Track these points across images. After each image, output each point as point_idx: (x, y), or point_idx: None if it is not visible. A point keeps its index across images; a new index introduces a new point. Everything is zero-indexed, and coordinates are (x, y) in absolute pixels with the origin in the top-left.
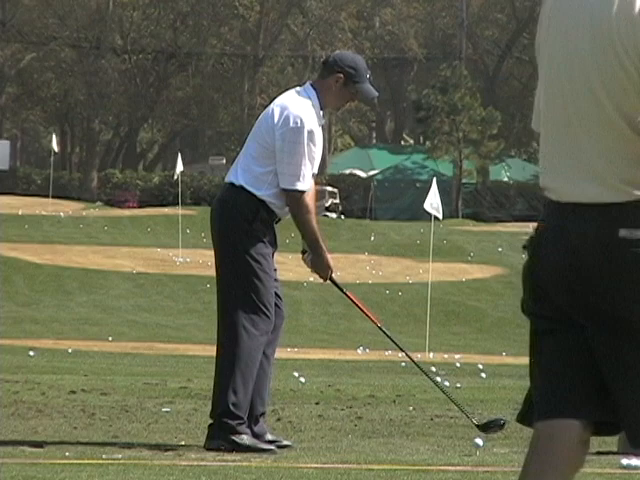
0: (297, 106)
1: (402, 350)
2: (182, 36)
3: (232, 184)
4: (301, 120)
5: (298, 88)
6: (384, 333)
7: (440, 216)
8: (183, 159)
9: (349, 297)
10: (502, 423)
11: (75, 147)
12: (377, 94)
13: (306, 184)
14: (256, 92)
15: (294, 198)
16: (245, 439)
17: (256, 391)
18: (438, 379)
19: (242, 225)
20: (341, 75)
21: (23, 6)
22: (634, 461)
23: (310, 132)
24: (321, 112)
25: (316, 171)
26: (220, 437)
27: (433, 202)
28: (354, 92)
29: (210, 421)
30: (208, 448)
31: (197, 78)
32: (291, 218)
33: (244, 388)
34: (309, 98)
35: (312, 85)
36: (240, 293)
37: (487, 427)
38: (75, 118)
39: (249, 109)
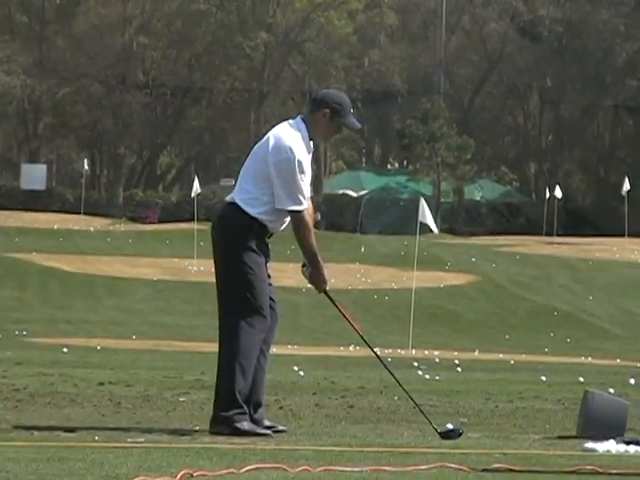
0: (289, 137)
1: (379, 358)
2: (196, 73)
3: (230, 202)
4: (291, 150)
5: (291, 121)
6: (365, 342)
7: (436, 230)
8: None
9: (339, 309)
10: (460, 433)
11: (103, 170)
12: (360, 126)
13: (303, 204)
14: (261, 122)
15: (295, 217)
16: (245, 425)
17: (255, 383)
18: (422, 372)
19: (238, 239)
20: (328, 110)
21: (57, 47)
22: (592, 445)
23: (299, 161)
24: (310, 142)
25: (309, 194)
26: (223, 422)
27: (428, 217)
28: (340, 125)
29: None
30: (212, 432)
31: (210, 110)
32: (286, 233)
33: (244, 380)
34: (299, 130)
35: (303, 119)
36: (238, 298)
37: (447, 435)
38: (103, 145)
39: (255, 137)
